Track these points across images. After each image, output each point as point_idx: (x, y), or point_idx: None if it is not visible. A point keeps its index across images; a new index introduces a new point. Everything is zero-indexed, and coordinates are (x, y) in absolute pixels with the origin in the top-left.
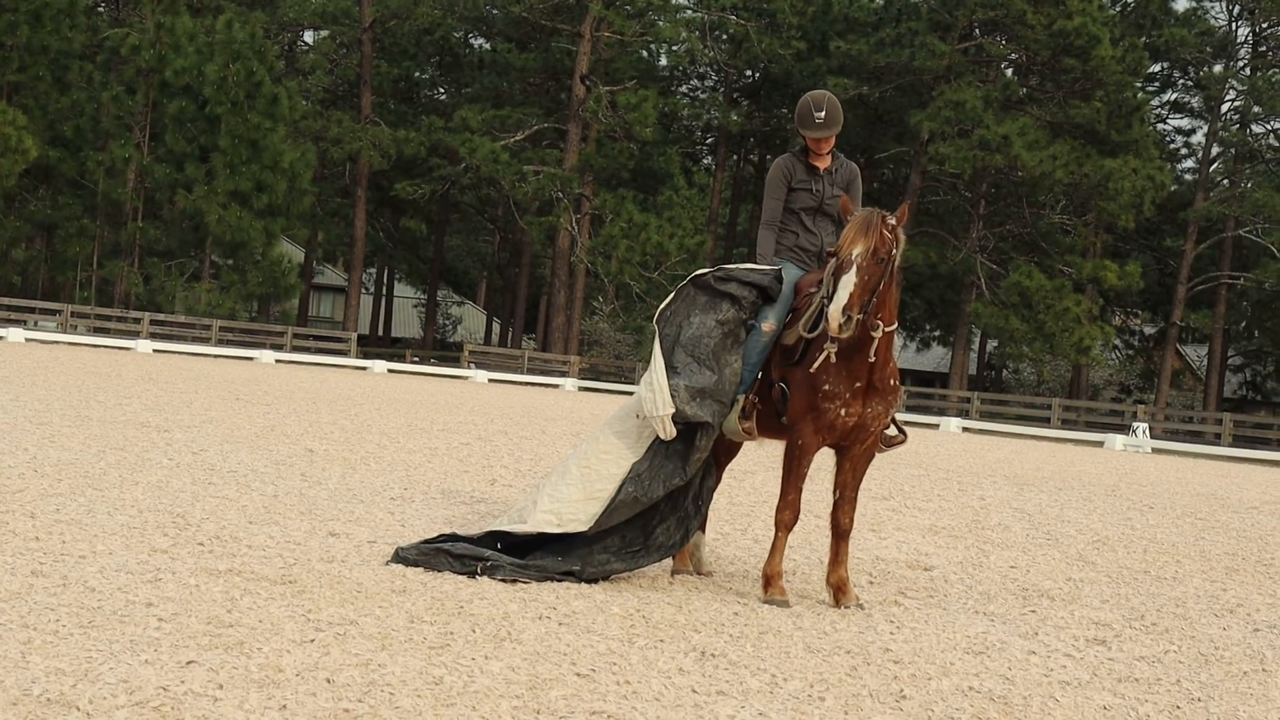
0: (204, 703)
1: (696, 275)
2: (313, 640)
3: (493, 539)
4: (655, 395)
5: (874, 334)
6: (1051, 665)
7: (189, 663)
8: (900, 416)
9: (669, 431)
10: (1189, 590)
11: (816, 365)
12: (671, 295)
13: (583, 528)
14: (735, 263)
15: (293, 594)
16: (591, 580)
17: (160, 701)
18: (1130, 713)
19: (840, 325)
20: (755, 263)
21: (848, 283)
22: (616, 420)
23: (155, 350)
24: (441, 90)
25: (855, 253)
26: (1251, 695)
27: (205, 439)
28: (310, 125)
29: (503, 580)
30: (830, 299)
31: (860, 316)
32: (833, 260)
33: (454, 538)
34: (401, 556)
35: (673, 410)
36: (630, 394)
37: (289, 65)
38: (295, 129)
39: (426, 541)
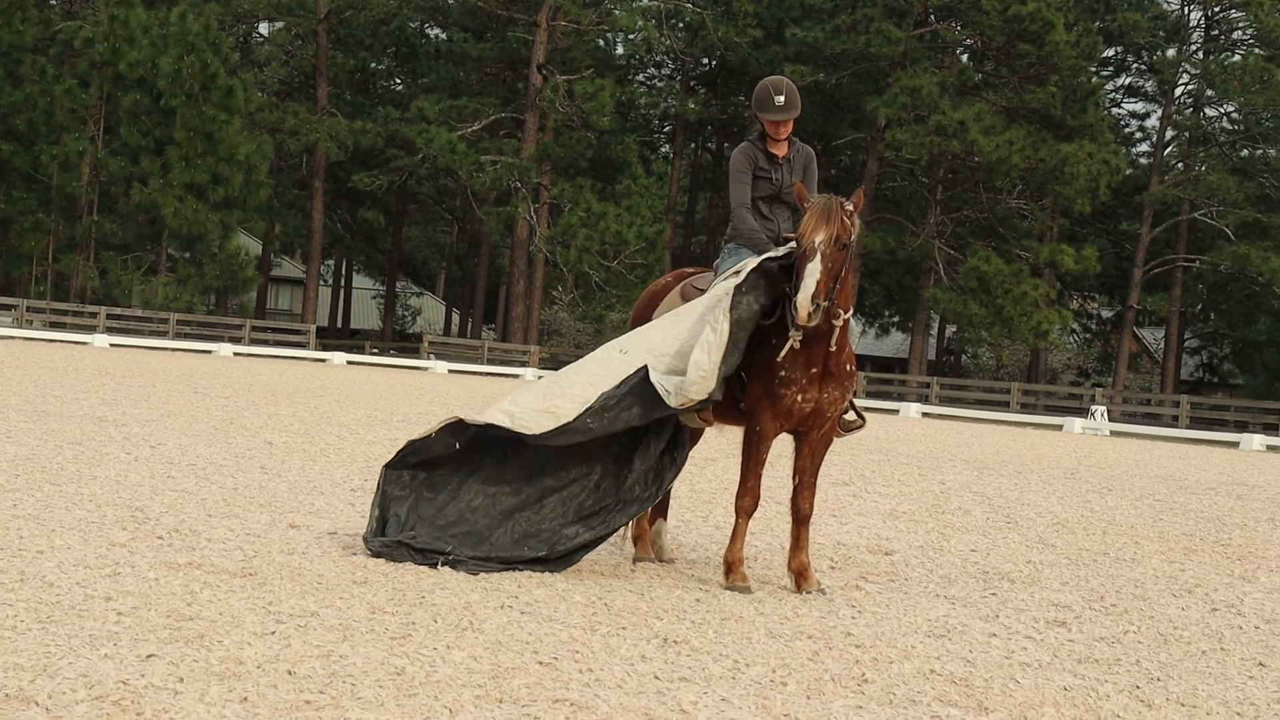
0: (164, 696)
1: (766, 260)
2: (274, 632)
3: (454, 432)
4: (704, 379)
5: (835, 322)
6: (1012, 647)
7: (149, 656)
8: (860, 402)
9: (683, 405)
10: (1148, 571)
11: (783, 354)
12: (742, 277)
13: (530, 433)
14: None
15: (253, 586)
16: (559, 562)
17: (120, 695)
18: (1090, 693)
19: (810, 314)
20: (741, 241)
21: (813, 271)
22: (599, 351)
23: (112, 344)
24: (398, 81)
25: (818, 240)
26: (1210, 674)
27: (164, 433)
28: (266, 117)
29: (467, 572)
30: (795, 288)
31: (826, 304)
32: (788, 246)
33: (413, 447)
34: (369, 547)
35: (718, 398)
36: None
37: (244, 57)
38: (251, 121)
39: (390, 466)
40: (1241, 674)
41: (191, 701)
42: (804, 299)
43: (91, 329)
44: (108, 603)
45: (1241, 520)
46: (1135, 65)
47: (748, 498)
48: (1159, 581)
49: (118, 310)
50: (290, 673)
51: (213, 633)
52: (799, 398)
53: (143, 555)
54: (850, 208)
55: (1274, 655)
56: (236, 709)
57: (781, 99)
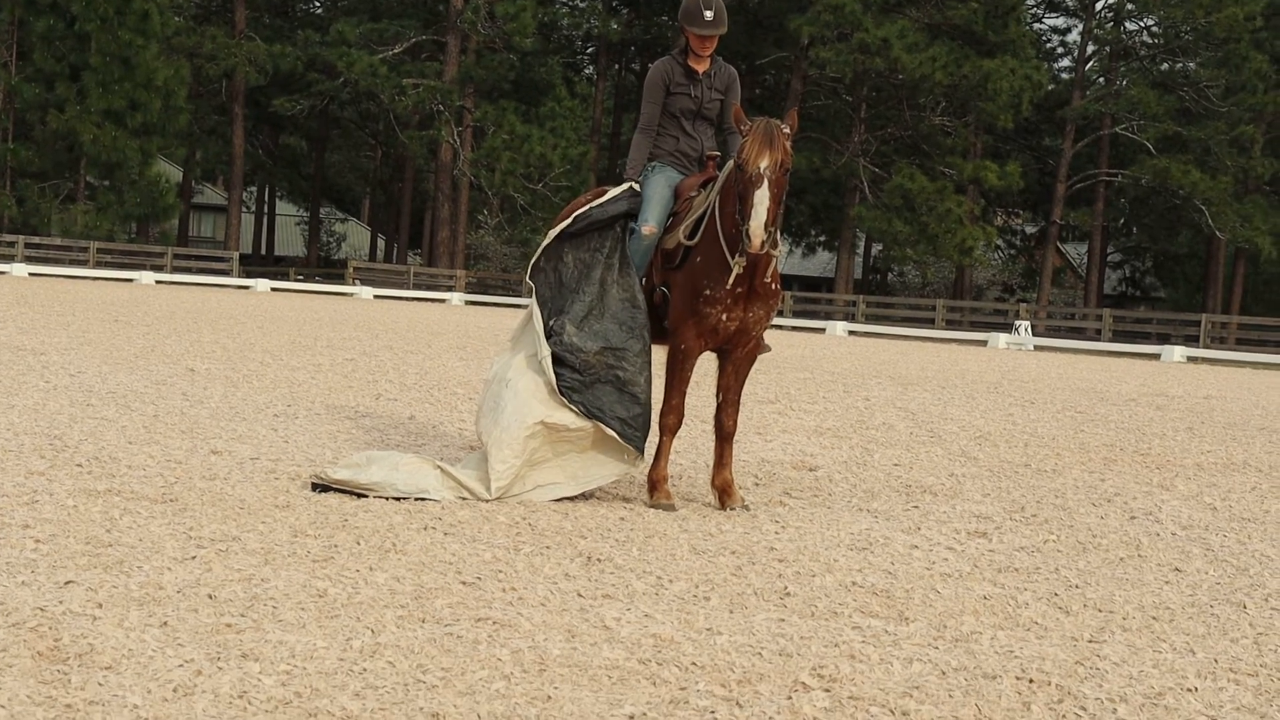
0: (83, 622)
1: (557, 231)
2: (194, 557)
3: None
4: (539, 345)
5: (774, 252)
6: (933, 558)
7: (67, 583)
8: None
9: (548, 372)
10: (1068, 482)
11: (731, 280)
12: (539, 251)
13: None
14: (617, 171)
15: (173, 512)
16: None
17: (37, 622)
18: (1009, 601)
19: (762, 242)
20: (627, 172)
21: (762, 198)
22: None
23: (31, 274)
24: (317, 4)
25: (763, 166)
26: (1127, 580)
27: (83, 361)
28: (183, 41)
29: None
30: (743, 216)
31: (775, 229)
32: (713, 167)
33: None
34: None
35: (549, 351)
36: (519, 306)
37: None
38: (168, 45)
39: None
40: (1158, 579)
41: (110, 626)
42: (756, 227)
43: (10, 258)
44: (25, 530)
45: (1161, 430)
46: None
47: (671, 415)
48: (1079, 491)
49: (36, 239)
50: (211, 597)
51: (132, 559)
52: (724, 316)
53: (61, 483)
54: (787, 130)
55: (1189, 560)
56: (156, 633)
57: (710, 14)
